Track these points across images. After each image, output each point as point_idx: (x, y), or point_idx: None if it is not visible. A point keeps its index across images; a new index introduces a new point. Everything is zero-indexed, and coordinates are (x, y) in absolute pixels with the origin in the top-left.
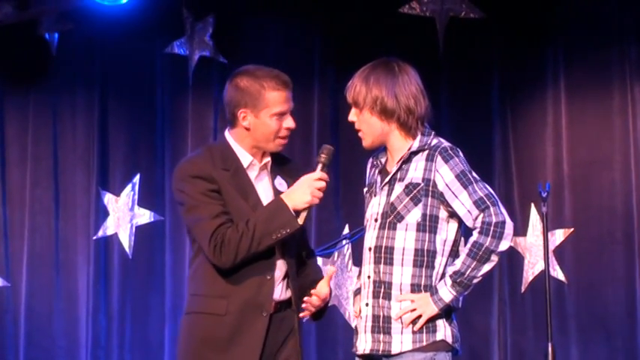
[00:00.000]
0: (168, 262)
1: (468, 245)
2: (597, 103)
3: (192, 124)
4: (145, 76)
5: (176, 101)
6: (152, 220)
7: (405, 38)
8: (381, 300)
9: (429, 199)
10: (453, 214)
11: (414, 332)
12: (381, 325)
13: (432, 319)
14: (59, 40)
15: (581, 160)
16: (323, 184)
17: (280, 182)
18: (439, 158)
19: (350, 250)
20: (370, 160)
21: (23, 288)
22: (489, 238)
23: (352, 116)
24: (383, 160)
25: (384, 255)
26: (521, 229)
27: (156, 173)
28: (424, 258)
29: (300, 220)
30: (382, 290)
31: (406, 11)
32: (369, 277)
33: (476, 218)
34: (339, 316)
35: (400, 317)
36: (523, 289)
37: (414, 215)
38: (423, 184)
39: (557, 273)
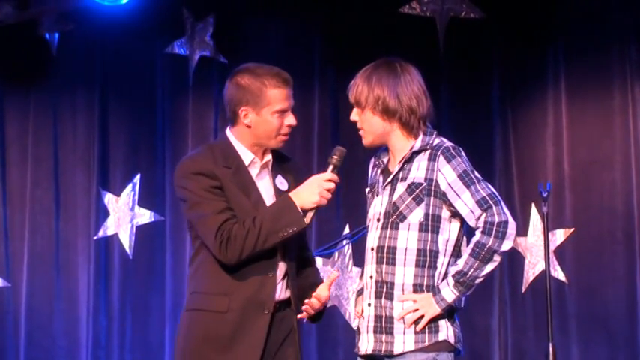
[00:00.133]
0: (168, 262)
1: (471, 245)
2: (598, 103)
3: (192, 124)
4: (145, 77)
5: (176, 101)
6: (152, 220)
7: (405, 38)
8: (383, 300)
9: (432, 198)
10: (455, 214)
11: (416, 332)
12: (384, 325)
13: (435, 319)
14: (59, 40)
15: (582, 160)
16: (332, 185)
17: (281, 181)
18: (441, 158)
19: (350, 251)
20: (372, 160)
21: (24, 288)
22: (492, 238)
23: (354, 116)
24: (385, 160)
25: (387, 255)
26: (521, 229)
27: (156, 173)
28: (426, 258)
29: (307, 220)
30: (385, 290)
31: (406, 11)
32: (371, 277)
33: (478, 218)
34: (340, 317)
35: (402, 317)
36: (524, 289)
37: (417, 215)
38: (425, 184)
39: (558, 273)
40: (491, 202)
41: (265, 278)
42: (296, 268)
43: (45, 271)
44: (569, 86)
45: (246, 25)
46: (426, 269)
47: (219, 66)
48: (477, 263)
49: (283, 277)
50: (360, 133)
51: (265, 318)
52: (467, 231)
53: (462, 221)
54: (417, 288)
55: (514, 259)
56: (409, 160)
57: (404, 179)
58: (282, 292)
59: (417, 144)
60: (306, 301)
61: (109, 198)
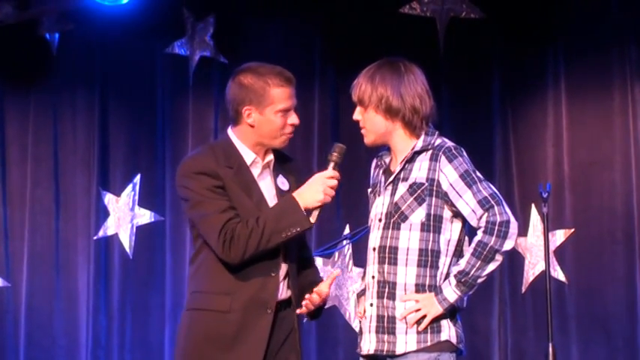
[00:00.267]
0: (168, 262)
1: (473, 245)
2: (598, 104)
3: (192, 124)
4: (145, 76)
5: (176, 101)
6: (152, 220)
7: (405, 38)
8: (385, 300)
9: (433, 198)
10: (457, 214)
11: (418, 332)
12: (386, 325)
13: (437, 320)
14: (60, 40)
15: (582, 160)
16: (335, 182)
17: (282, 181)
18: (443, 158)
19: (350, 251)
20: (374, 160)
21: (24, 288)
22: (494, 238)
23: (357, 115)
24: (387, 160)
25: (388, 255)
26: (521, 230)
27: (156, 173)
28: (428, 258)
29: (313, 219)
30: (387, 290)
31: (407, 11)
32: (373, 277)
33: (480, 218)
34: (340, 317)
35: (405, 317)
36: (524, 290)
37: (418, 215)
38: (427, 184)
39: (558, 273)
40: (492, 202)
41: (268, 278)
42: (296, 268)
43: (45, 271)
44: (569, 86)
45: (247, 25)
46: (427, 269)
47: (220, 66)
48: (479, 263)
49: (285, 277)
50: (362, 132)
51: (268, 318)
52: (468, 231)
53: (464, 221)
54: (419, 288)
55: (514, 260)
56: (411, 159)
57: (405, 179)
58: (283, 291)
59: (419, 144)
60: (306, 296)
61: (109, 198)
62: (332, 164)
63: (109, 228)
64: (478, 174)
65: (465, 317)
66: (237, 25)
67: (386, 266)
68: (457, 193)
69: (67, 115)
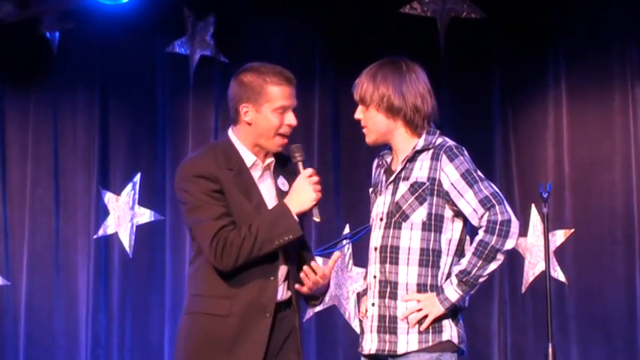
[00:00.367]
0: (168, 261)
1: (474, 244)
2: (598, 104)
3: (192, 123)
4: (145, 76)
5: (177, 100)
6: (152, 219)
7: (406, 38)
8: (387, 300)
9: (435, 198)
10: (458, 213)
11: (420, 332)
12: (387, 325)
13: (439, 320)
14: (60, 39)
15: (582, 160)
16: (317, 177)
17: (283, 182)
18: (444, 157)
19: (350, 250)
20: (376, 160)
21: (23, 287)
22: (495, 237)
23: (358, 114)
24: (388, 160)
25: (390, 255)
26: (521, 230)
27: (156, 172)
28: (430, 257)
29: (318, 218)
30: (388, 290)
31: (407, 11)
32: (374, 276)
33: (481, 217)
34: (339, 316)
35: (406, 317)
36: (523, 290)
37: (420, 214)
38: (428, 183)
39: (558, 273)
40: (494, 201)
41: (267, 282)
42: (297, 269)
43: (45, 270)
44: (569, 87)
45: (247, 24)
46: (429, 269)
47: (220, 65)
48: (480, 262)
49: (285, 279)
50: (364, 131)
51: (267, 321)
52: (470, 230)
53: (465, 220)
54: (421, 288)
55: (514, 260)
56: (412, 159)
57: (406, 178)
58: (283, 293)
59: (420, 143)
60: (304, 268)
61: (109, 197)
62: (301, 164)
63: (109, 227)
64: (479, 173)
65: (464, 317)
66: (237, 24)
67: (387, 266)
68: (458, 192)
69: (68, 114)
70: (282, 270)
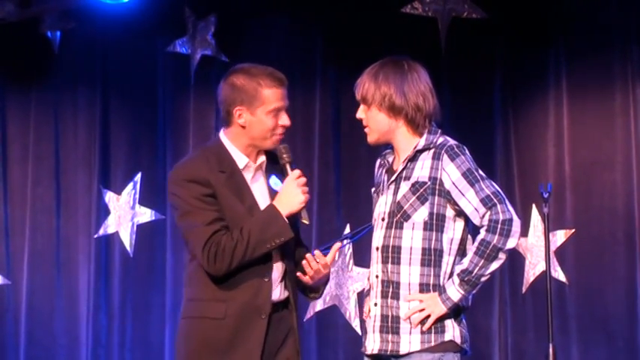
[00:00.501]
0: (169, 260)
1: (476, 243)
2: (599, 104)
3: (193, 123)
4: (146, 75)
5: (178, 100)
6: (153, 218)
7: (407, 38)
8: (389, 300)
9: (436, 197)
10: (460, 213)
11: (422, 332)
12: (390, 325)
13: (441, 320)
14: (61, 38)
15: (583, 160)
16: (304, 179)
17: (275, 182)
18: (445, 156)
19: (351, 250)
20: (378, 160)
21: (24, 286)
22: (497, 236)
23: (360, 113)
24: (390, 160)
25: (392, 254)
26: (522, 230)
27: (157, 172)
28: (431, 257)
29: (306, 220)
30: (390, 290)
31: (408, 11)
32: (377, 276)
33: (483, 216)
34: (340, 316)
35: (409, 317)
36: (524, 290)
37: (421, 214)
38: (429, 183)
39: (558, 274)
40: (495, 200)
41: (261, 283)
42: (294, 268)
43: (45, 269)
44: (570, 87)
45: (248, 24)
46: (431, 268)
47: (221, 65)
48: (482, 262)
49: (282, 279)
50: (366, 130)
51: (262, 323)
52: (472, 230)
53: (467, 220)
54: (423, 287)
55: (515, 260)
56: (413, 158)
57: (407, 178)
58: (280, 293)
59: (421, 142)
60: (307, 255)
61: (109, 196)
62: (288, 166)
63: (110, 226)
64: (480, 172)
65: (465, 317)
66: (238, 24)
67: (389, 266)
68: (460, 191)
69: (68, 114)
70: (278, 270)
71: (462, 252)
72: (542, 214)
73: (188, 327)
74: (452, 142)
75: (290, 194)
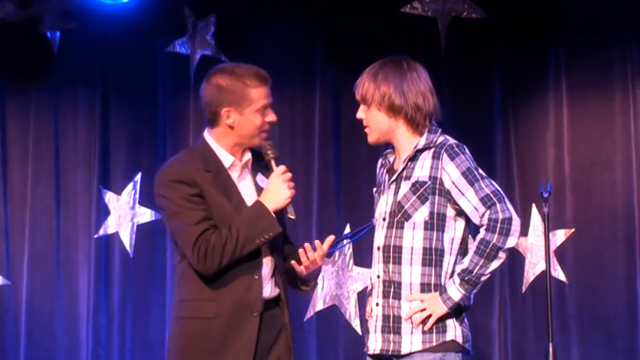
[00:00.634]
0: (169, 260)
1: (475, 243)
2: (599, 104)
3: (193, 123)
4: (146, 75)
5: (177, 100)
6: (153, 218)
7: (406, 38)
8: (391, 300)
9: (436, 197)
10: (460, 212)
11: (423, 332)
12: (391, 324)
13: (442, 319)
14: (61, 38)
15: (583, 160)
16: (289, 174)
17: (262, 179)
18: (445, 156)
19: (351, 250)
20: (380, 160)
21: (24, 286)
22: (496, 235)
23: (360, 113)
24: (391, 159)
25: (393, 254)
26: (522, 230)
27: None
28: (432, 257)
29: (293, 215)
30: (392, 290)
31: (408, 11)
32: (378, 276)
33: (482, 215)
34: (340, 316)
35: (410, 317)
36: (524, 290)
37: (422, 214)
38: (430, 182)
39: (558, 273)
40: (495, 199)
41: (251, 280)
42: (283, 265)
43: (45, 269)
44: (570, 87)
45: (248, 24)
46: (432, 268)
47: None
48: (482, 261)
49: (272, 276)
50: (366, 130)
51: (254, 321)
52: (472, 229)
53: (468, 219)
54: (425, 287)
55: (514, 260)
56: (413, 158)
57: (408, 177)
58: (272, 290)
59: (422, 142)
60: (305, 245)
61: (109, 196)
62: (273, 162)
63: (110, 226)
64: (480, 171)
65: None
66: (238, 24)
67: (391, 265)
68: (459, 191)
69: (68, 114)
70: (268, 267)
71: (463, 251)
72: (542, 213)
73: (180, 328)
74: (452, 141)
75: (276, 190)
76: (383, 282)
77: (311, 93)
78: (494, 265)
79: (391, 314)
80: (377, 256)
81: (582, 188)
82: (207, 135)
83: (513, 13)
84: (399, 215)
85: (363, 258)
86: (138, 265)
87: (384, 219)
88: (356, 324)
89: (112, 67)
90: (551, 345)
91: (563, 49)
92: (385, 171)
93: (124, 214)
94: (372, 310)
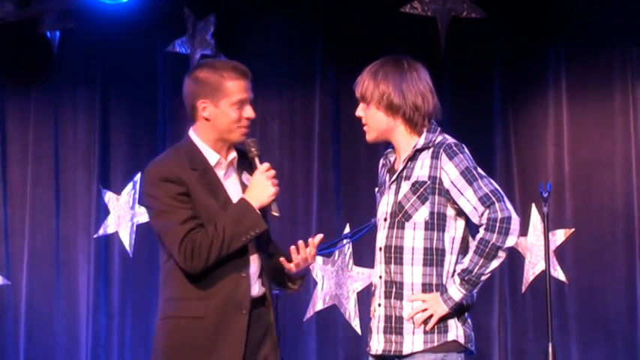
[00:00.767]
0: None
1: (475, 242)
2: (598, 104)
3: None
4: (146, 75)
5: (177, 100)
6: None
7: (406, 38)
8: (393, 300)
9: (436, 196)
10: (460, 212)
11: (425, 332)
12: (394, 325)
13: (444, 319)
14: (61, 38)
15: (582, 160)
16: (273, 172)
17: (247, 177)
18: (444, 155)
19: (351, 250)
20: (381, 159)
21: (24, 286)
22: (495, 235)
23: (359, 111)
24: (392, 159)
25: (394, 255)
26: (522, 229)
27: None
28: (434, 257)
29: (277, 212)
30: (394, 290)
31: (408, 11)
32: (380, 277)
33: (481, 215)
34: (340, 316)
35: (412, 317)
36: (524, 289)
37: (422, 214)
38: (429, 182)
39: (558, 273)
40: (493, 199)
41: (239, 278)
42: (268, 264)
43: (45, 269)
44: (570, 86)
45: (247, 24)
46: (434, 268)
47: None
48: (481, 261)
49: (260, 275)
50: (365, 128)
51: (243, 319)
52: (473, 228)
53: (468, 218)
54: (426, 287)
55: (514, 259)
56: (412, 158)
57: (408, 177)
58: (259, 288)
59: (421, 141)
60: (299, 242)
61: (109, 196)
62: (257, 159)
63: (110, 226)
64: (479, 170)
65: None
66: (238, 23)
67: (392, 266)
68: (458, 190)
69: (68, 114)
70: (255, 265)
71: (464, 250)
72: (542, 213)
73: (167, 327)
74: (450, 140)
75: (260, 187)
76: (385, 282)
77: (311, 93)
78: (494, 264)
79: (393, 315)
80: (379, 257)
81: (582, 188)
82: (191, 132)
83: (513, 13)
84: (400, 215)
85: (362, 258)
86: (137, 264)
87: (385, 219)
88: (356, 324)
89: (112, 67)
90: (550, 345)
91: (563, 48)
92: (386, 171)
93: (124, 213)
94: (374, 311)
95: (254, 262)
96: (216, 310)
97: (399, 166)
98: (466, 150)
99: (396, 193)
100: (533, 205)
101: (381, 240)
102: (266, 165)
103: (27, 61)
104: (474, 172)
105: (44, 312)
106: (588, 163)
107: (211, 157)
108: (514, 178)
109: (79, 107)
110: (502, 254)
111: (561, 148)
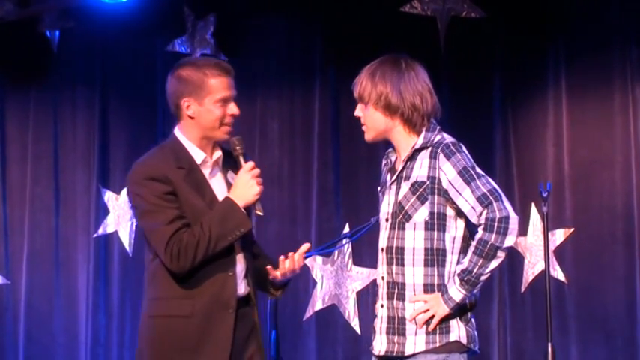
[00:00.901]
0: None
1: (474, 242)
2: (598, 103)
3: None
4: (146, 74)
5: None
6: None
7: (406, 37)
8: (395, 301)
9: (435, 197)
10: (460, 212)
11: (427, 333)
12: (396, 326)
13: (446, 320)
14: (60, 37)
15: (582, 160)
16: (257, 170)
17: (232, 177)
18: (442, 155)
19: (350, 250)
20: (384, 159)
21: (23, 285)
22: (494, 235)
23: (358, 111)
24: (393, 159)
25: (396, 255)
26: (521, 229)
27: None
28: (434, 257)
29: (260, 212)
30: (396, 291)
31: (407, 10)
32: (383, 277)
33: (480, 215)
34: (339, 316)
35: (414, 318)
36: (523, 289)
37: (422, 214)
38: (428, 182)
39: (558, 273)
40: (491, 198)
41: (226, 277)
42: (252, 264)
43: (44, 268)
44: (569, 86)
45: (247, 23)
46: (435, 268)
47: None
48: (480, 261)
49: (245, 275)
50: (363, 128)
51: (230, 317)
52: (473, 228)
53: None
54: (428, 288)
55: (514, 259)
56: (412, 158)
57: (407, 178)
58: (244, 288)
59: (419, 141)
60: (290, 254)
61: (108, 196)
62: (241, 158)
63: (109, 226)
64: (477, 170)
65: None
66: (237, 23)
67: (394, 267)
68: (456, 190)
69: (68, 113)
70: (241, 265)
71: (465, 250)
72: (542, 213)
73: (153, 326)
74: (448, 140)
75: (244, 186)
76: (387, 283)
77: (310, 93)
78: (494, 264)
79: (396, 315)
80: (381, 258)
81: (581, 188)
82: (176, 131)
83: (513, 13)
84: (400, 216)
85: (362, 257)
86: (137, 264)
87: (386, 220)
88: (355, 323)
89: (112, 67)
90: (550, 345)
91: (563, 48)
92: (387, 170)
93: (123, 213)
94: (378, 311)
95: (240, 262)
96: (203, 308)
97: (399, 166)
98: (464, 149)
99: (397, 193)
100: (533, 204)
101: (383, 240)
102: (250, 164)
103: (26, 61)
104: (472, 172)
105: (44, 311)
106: (588, 163)
107: (197, 155)
108: (513, 178)
109: (78, 106)
110: (501, 254)
111: (561, 148)
